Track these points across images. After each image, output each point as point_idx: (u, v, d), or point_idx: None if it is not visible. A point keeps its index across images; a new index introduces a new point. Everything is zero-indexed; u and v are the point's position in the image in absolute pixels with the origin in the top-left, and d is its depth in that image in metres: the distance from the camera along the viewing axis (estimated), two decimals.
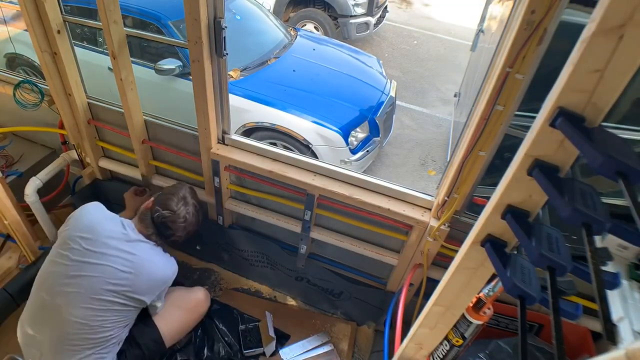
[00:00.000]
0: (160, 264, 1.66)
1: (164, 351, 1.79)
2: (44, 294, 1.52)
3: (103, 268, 1.52)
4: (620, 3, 0.43)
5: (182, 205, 1.73)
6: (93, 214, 1.66)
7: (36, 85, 2.05)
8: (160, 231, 1.70)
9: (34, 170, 2.19)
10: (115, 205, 2.40)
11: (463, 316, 0.95)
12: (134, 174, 2.17)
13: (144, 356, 1.67)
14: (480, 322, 0.94)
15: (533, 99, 1.07)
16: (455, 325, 0.97)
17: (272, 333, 2.01)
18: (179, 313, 1.81)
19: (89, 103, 2.03)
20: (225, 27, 1.51)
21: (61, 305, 1.48)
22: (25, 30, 1.71)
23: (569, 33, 0.81)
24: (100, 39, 3.19)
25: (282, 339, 2.03)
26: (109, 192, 2.36)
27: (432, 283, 1.60)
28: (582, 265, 0.61)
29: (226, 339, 1.98)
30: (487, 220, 0.68)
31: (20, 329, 1.57)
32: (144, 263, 1.59)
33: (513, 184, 0.62)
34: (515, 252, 0.69)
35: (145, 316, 1.73)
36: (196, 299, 1.91)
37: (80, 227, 1.58)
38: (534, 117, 0.57)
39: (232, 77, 3.18)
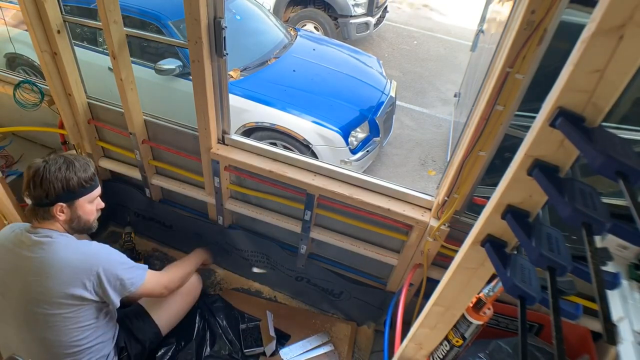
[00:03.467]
0: (63, 254, 1.36)
1: (162, 338, 1.80)
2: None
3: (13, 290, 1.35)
4: (620, 3, 0.43)
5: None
6: None
7: (36, 85, 2.05)
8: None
9: None
10: (115, 206, 2.41)
11: (463, 316, 0.95)
12: (134, 174, 2.17)
13: (144, 350, 1.68)
14: (480, 323, 0.94)
15: (533, 99, 1.07)
16: (455, 326, 0.97)
17: (272, 333, 2.01)
18: (173, 299, 1.79)
19: (89, 103, 2.03)
20: (225, 27, 1.51)
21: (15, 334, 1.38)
22: (25, 30, 1.71)
23: (569, 33, 0.81)
24: (100, 39, 3.19)
25: (282, 339, 2.03)
26: (109, 192, 2.36)
27: (432, 283, 1.60)
28: (582, 265, 0.61)
29: (227, 337, 1.99)
30: (487, 220, 0.68)
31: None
32: (45, 261, 1.34)
33: (513, 184, 0.62)
34: (515, 252, 0.69)
35: (141, 311, 1.73)
36: (191, 284, 1.91)
37: None
38: (534, 117, 0.57)
39: (232, 77, 3.18)
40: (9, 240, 1.38)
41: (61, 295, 1.31)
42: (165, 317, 1.76)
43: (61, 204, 1.36)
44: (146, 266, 1.55)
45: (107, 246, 1.46)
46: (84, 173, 1.39)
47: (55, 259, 1.32)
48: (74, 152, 1.45)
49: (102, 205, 1.52)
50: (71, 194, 1.37)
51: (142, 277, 1.49)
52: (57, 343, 1.36)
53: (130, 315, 1.71)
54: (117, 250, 1.46)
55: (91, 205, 1.46)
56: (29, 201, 1.39)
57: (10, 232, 1.40)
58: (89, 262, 1.35)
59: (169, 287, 1.66)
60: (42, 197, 1.34)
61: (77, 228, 1.46)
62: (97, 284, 1.36)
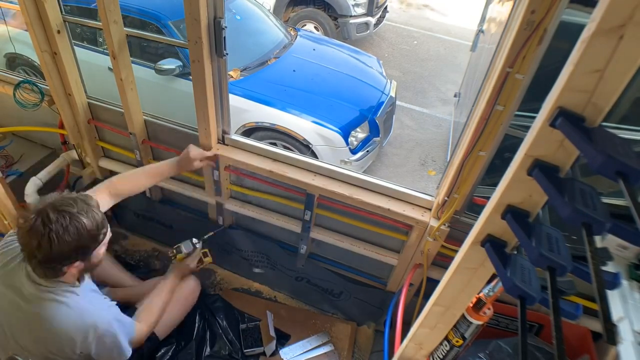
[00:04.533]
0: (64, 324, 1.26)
1: (159, 342, 1.78)
2: None
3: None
4: (620, 3, 0.43)
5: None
6: None
7: (36, 85, 2.05)
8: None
9: (34, 170, 2.19)
10: (115, 206, 2.41)
11: (463, 316, 0.95)
12: None
13: (142, 356, 1.67)
14: (480, 323, 0.94)
15: (533, 99, 1.07)
16: (455, 326, 0.97)
17: (272, 333, 2.01)
18: (171, 305, 1.77)
19: (89, 103, 2.03)
20: (225, 27, 1.51)
21: None
22: (25, 30, 1.71)
23: (569, 33, 0.81)
24: (100, 39, 3.19)
25: (282, 339, 2.03)
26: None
27: (432, 283, 1.60)
28: (582, 265, 0.61)
29: (227, 337, 1.99)
30: (487, 220, 0.68)
31: None
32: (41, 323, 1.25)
33: (513, 184, 0.62)
34: (515, 252, 0.69)
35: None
36: (188, 289, 1.89)
37: None
38: (534, 117, 0.57)
39: (232, 77, 3.18)
40: (5, 275, 1.29)
41: (46, 352, 1.29)
42: (162, 322, 1.73)
43: (78, 262, 1.25)
44: (134, 326, 1.48)
45: (109, 306, 1.39)
46: (93, 223, 1.23)
47: (54, 322, 1.25)
48: (67, 192, 1.25)
49: (110, 235, 1.37)
50: (87, 250, 1.26)
51: (127, 346, 1.41)
52: None
53: None
54: (117, 312, 1.41)
55: (104, 247, 1.34)
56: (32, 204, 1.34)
57: (5, 254, 1.31)
58: (86, 331, 1.28)
59: (150, 329, 1.61)
60: (56, 263, 1.21)
61: (92, 269, 1.36)
62: (85, 349, 1.30)
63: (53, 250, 1.15)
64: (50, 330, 1.25)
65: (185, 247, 1.86)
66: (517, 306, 0.65)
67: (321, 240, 1.95)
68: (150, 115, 1.97)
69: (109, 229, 1.34)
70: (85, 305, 1.31)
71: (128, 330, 1.44)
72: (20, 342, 1.30)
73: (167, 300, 1.73)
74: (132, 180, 1.65)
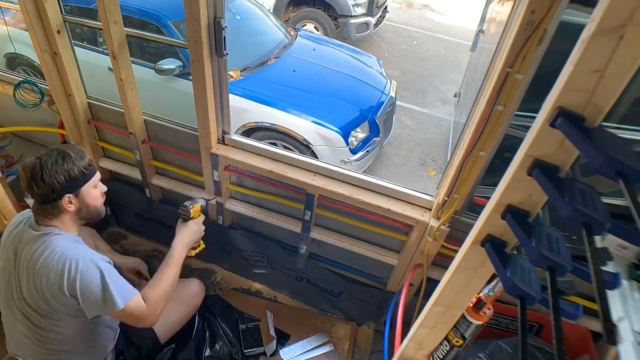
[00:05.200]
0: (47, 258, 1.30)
1: (161, 346, 1.78)
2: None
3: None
4: (620, 3, 0.43)
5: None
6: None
7: (36, 85, 2.05)
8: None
9: None
10: (115, 206, 2.41)
11: (463, 316, 0.95)
12: (134, 174, 2.17)
13: (141, 356, 1.67)
14: (480, 323, 0.94)
15: (533, 99, 1.07)
16: (455, 326, 0.97)
17: (272, 332, 2.01)
18: (173, 307, 1.72)
19: (89, 103, 2.03)
20: (225, 27, 1.51)
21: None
22: (25, 30, 1.71)
23: (569, 33, 0.81)
24: (100, 39, 3.19)
25: (282, 339, 2.03)
26: (109, 193, 2.36)
27: (432, 283, 1.60)
28: (582, 265, 0.61)
29: (227, 337, 1.98)
30: (487, 220, 0.68)
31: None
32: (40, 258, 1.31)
33: (513, 184, 0.62)
34: (515, 252, 0.69)
35: None
36: (191, 291, 1.89)
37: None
38: (534, 117, 0.57)
39: (232, 77, 3.18)
40: (20, 233, 1.39)
41: (42, 296, 1.30)
42: (163, 324, 1.69)
43: (68, 195, 1.35)
44: (134, 291, 1.39)
45: (100, 256, 1.38)
46: (81, 161, 1.38)
47: (42, 259, 1.30)
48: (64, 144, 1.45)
49: (105, 188, 1.50)
50: (75, 182, 1.36)
51: (126, 298, 1.33)
52: (50, 340, 1.37)
53: None
54: (108, 264, 1.38)
55: (96, 190, 1.45)
56: (30, 201, 1.38)
57: (14, 225, 1.42)
58: (69, 264, 1.29)
59: (156, 300, 1.44)
60: (48, 193, 1.32)
61: (87, 216, 1.44)
62: (71, 289, 1.29)
63: (44, 178, 1.30)
64: (42, 265, 1.29)
65: (199, 201, 1.66)
66: (517, 306, 0.65)
67: (321, 240, 1.95)
68: (150, 115, 1.97)
69: (98, 172, 1.47)
70: (67, 242, 1.35)
71: (123, 290, 1.34)
72: (24, 293, 1.33)
73: (176, 274, 1.53)
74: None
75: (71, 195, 1.36)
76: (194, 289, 1.91)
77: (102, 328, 1.50)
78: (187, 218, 1.65)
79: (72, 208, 1.37)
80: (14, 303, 1.38)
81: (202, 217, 1.72)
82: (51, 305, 1.30)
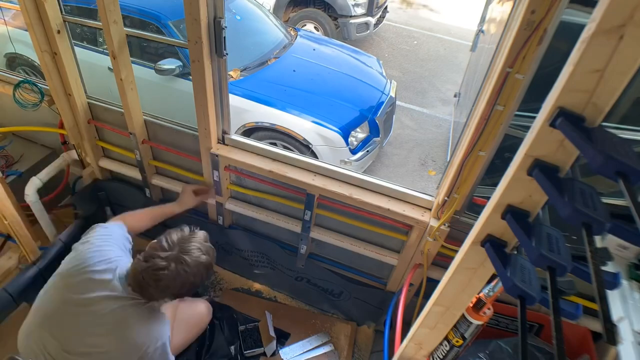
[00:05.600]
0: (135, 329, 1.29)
1: None
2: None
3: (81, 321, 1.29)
4: (620, 3, 0.43)
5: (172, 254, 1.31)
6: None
7: (36, 85, 2.04)
8: (141, 287, 1.31)
9: (34, 170, 2.19)
10: (115, 206, 2.41)
11: (463, 316, 0.95)
12: (134, 174, 2.17)
13: None
14: (480, 323, 0.94)
15: (533, 99, 1.07)
16: (455, 326, 0.97)
17: (272, 333, 2.01)
18: (180, 328, 1.72)
19: (89, 103, 2.03)
20: (225, 27, 1.51)
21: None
22: (25, 30, 1.71)
23: (569, 33, 0.81)
24: (100, 39, 3.19)
25: (282, 338, 2.03)
26: (109, 192, 2.36)
27: (432, 283, 1.60)
28: (582, 265, 0.61)
29: (227, 339, 1.98)
30: (487, 220, 0.68)
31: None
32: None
33: (513, 184, 0.62)
34: (515, 252, 0.69)
35: None
36: (199, 314, 1.85)
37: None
38: (534, 117, 0.57)
39: (232, 77, 3.18)
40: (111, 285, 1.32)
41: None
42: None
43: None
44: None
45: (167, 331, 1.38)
46: (207, 272, 1.36)
47: (130, 325, 1.28)
48: (200, 233, 1.44)
49: None
50: (196, 288, 1.37)
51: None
52: None
53: None
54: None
55: None
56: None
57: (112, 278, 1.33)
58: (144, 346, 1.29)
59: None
60: (157, 296, 1.31)
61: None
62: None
63: (171, 287, 1.28)
64: (129, 327, 1.27)
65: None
66: (517, 306, 0.65)
67: (321, 240, 1.95)
68: (150, 115, 1.97)
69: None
70: (157, 323, 1.35)
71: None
72: (78, 342, 1.27)
73: (156, 215, 1.77)
74: (139, 220, 1.73)
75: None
76: (202, 312, 1.86)
77: None
78: None
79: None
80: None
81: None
82: None
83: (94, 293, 1.28)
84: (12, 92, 2.03)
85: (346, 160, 3.22)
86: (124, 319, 1.28)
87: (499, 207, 0.65)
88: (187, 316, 1.80)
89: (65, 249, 1.79)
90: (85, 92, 2.01)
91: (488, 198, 0.69)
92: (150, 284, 1.27)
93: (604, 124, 0.52)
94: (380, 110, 3.46)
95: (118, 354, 1.27)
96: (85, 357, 1.27)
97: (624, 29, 0.45)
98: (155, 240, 1.36)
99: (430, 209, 1.65)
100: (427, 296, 0.99)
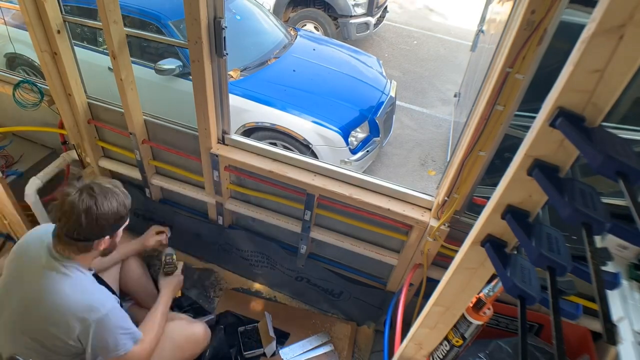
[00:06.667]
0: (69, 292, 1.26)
1: None
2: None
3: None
4: (620, 3, 0.43)
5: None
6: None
7: (36, 85, 2.05)
8: (59, 235, 1.29)
9: (34, 170, 2.19)
10: None
11: (463, 316, 0.95)
12: (134, 174, 2.17)
13: None
14: (480, 323, 0.94)
15: (533, 99, 1.07)
16: (455, 326, 0.97)
17: (272, 333, 2.01)
18: (174, 351, 1.66)
19: (89, 103, 2.03)
20: (225, 27, 1.51)
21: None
22: (25, 29, 1.71)
23: (569, 33, 0.81)
24: (100, 39, 3.19)
25: (282, 338, 2.03)
26: None
27: (432, 283, 1.60)
28: (582, 265, 0.61)
29: (227, 341, 1.98)
30: (487, 220, 0.68)
31: None
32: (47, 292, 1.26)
33: (513, 184, 0.62)
34: (515, 252, 0.69)
35: None
36: (194, 336, 1.76)
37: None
38: (534, 117, 0.57)
39: (232, 77, 3.18)
40: (36, 253, 1.30)
41: (45, 331, 1.26)
42: None
43: (108, 236, 1.30)
44: (139, 335, 1.41)
45: (114, 299, 1.36)
46: (127, 199, 1.33)
47: (58, 295, 1.24)
48: (101, 178, 1.41)
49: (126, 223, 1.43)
50: (119, 225, 1.33)
51: (127, 348, 1.34)
52: None
53: None
54: (121, 309, 1.37)
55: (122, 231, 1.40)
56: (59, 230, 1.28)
57: (39, 242, 1.33)
58: (88, 310, 1.26)
59: (151, 354, 1.49)
60: (94, 233, 1.26)
61: (106, 253, 1.40)
62: (83, 334, 1.26)
63: (99, 220, 1.24)
64: (54, 303, 1.24)
65: (172, 251, 1.89)
66: (517, 306, 0.65)
67: (321, 240, 1.95)
68: (150, 115, 1.97)
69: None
70: (89, 285, 1.32)
71: (133, 331, 1.37)
72: (26, 326, 1.27)
73: (165, 320, 1.63)
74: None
75: (108, 237, 1.32)
76: (199, 335, 1.78)
77: None
78: (173, 271, 1.85)
79: (101, 247, 1.32)
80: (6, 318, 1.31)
81: (181, 264, 1.88)
82: (49, 343, 1.26)
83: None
84: (12, 92, 2.03)
85: (346, 160, 3.22)
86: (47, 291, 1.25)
87: (499, 207, 0.65)
88: (180, 336, 1.71)
89: None
90: (85, 92, 2.01)
91: (488, 198, 0.69)
92: (65, 220, 1.23)
93: (604, 124, 0.52)
94: (380, 110, 3.46)
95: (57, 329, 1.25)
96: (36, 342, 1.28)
97: (624, 29, 0.45)
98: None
99: (430, 209, 1.65)
100: (427, 296, 0.99)
